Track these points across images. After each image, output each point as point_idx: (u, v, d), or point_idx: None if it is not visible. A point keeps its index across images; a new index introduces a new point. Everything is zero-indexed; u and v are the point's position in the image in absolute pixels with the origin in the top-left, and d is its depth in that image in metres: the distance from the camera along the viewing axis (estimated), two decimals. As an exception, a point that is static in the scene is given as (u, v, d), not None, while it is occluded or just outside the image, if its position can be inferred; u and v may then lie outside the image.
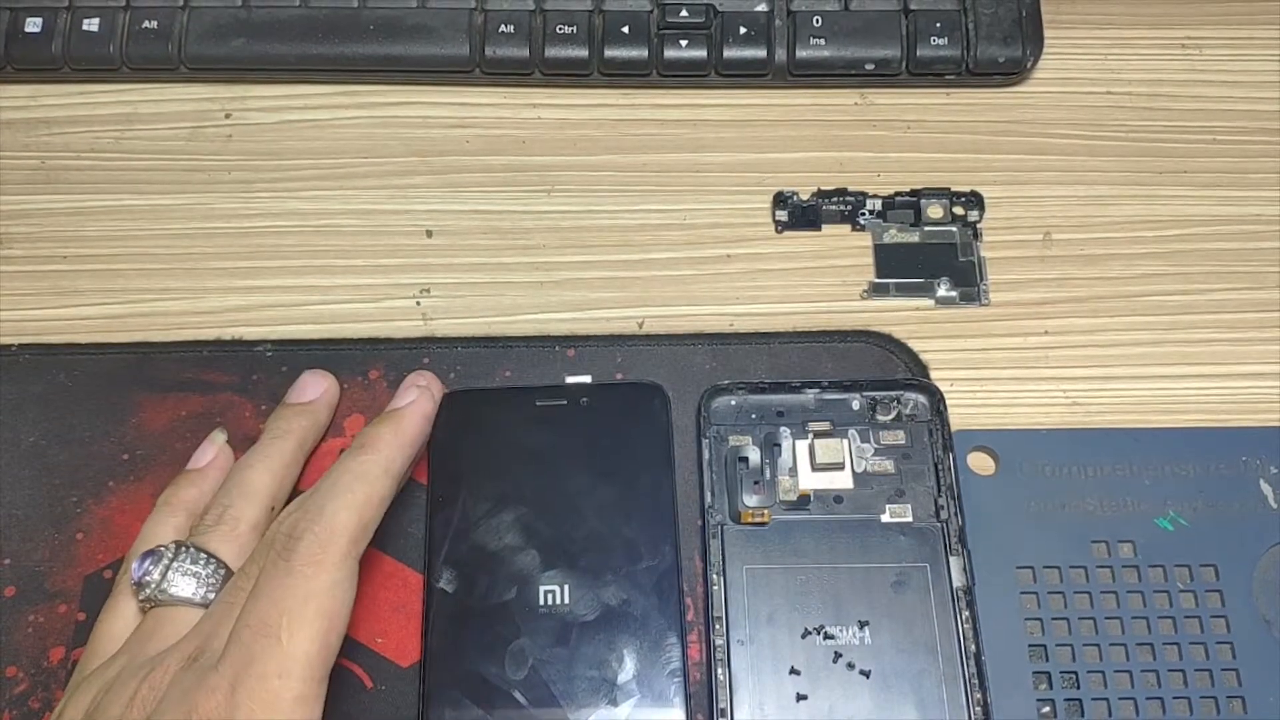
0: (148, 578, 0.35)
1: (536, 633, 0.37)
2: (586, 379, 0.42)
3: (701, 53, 0.48)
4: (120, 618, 0.36)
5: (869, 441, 0.41)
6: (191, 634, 0.33)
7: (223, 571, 0.35)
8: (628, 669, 0.37)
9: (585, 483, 0.40)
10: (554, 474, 0.40)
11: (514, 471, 0.40)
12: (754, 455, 0.40)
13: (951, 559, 0.39)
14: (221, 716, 0.30)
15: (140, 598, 0.35)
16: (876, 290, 0.45)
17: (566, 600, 0.38)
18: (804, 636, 0.38)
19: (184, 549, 0.35)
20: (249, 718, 0.30)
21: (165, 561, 0.35)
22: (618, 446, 0.41)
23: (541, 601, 0.38)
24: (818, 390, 0.42)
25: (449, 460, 0.40)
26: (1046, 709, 0.38)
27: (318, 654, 0.31)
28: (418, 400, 0.38)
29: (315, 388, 0.41)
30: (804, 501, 0.40)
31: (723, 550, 0.39)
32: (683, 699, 0.37)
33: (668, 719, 0.36)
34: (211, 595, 0.35)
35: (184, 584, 0.35)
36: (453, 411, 0.41)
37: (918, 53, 0.47)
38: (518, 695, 0.37)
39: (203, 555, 0.35)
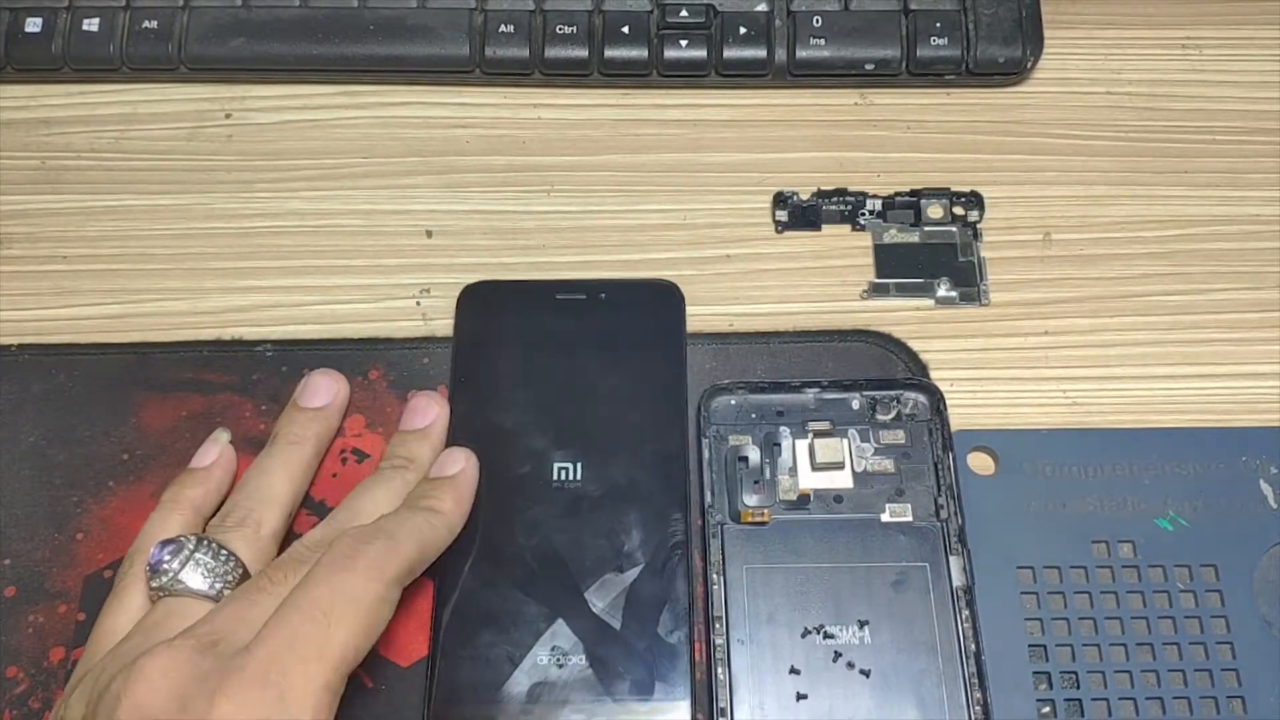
0: (165, 565, 0.35)
1: (549, 505, 0.39)
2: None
3: (701, 53, 0.48)
4: (125, 612, 0.36)
5: (869, 441, 0.41)
6: (205, 620, 0.33)
7: (240, 570, 0.36)
8: (634, 539, 0.39)
9: (601, 370, 0.42)
10: (571, 361, 0.42)
11: (533, 358, 0.42)
12: (754, 455, 0.40)
13: (951, 558, 0.39)
14: (250, 693, 0.30)
15: (153, 585, 0.35)
16: (876, 290, 0.45)
17: (578, 477, 0.40)
18: (804, 636, 0.38)
19: (205, 542, 0.35)
20: (280, 694, 0.30)
21: (186, 552, 0.35)
22: (633, 337, 0.43)
23: (554, 477, 0.40)
24: (818, 390, 0.42)
25: (471, 345, 0.43)
26: (1046, 709, 0.38)
27: (352, 651, 0.32)
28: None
29: (327, 391, 0.41)
30: (804, 501, 0.40)
31: (723, 550, 0.39)
32: (685, 569, 0.38)
33: (670, 587, 0.38)
34: (225, 591, 0.35)
35: (201, 577, 0.35)
36: (476, 300, 0.44)
37: (918, 53, 0.47)
38: (529, 559, 0.39)
39: (224, 551, 0.36)
